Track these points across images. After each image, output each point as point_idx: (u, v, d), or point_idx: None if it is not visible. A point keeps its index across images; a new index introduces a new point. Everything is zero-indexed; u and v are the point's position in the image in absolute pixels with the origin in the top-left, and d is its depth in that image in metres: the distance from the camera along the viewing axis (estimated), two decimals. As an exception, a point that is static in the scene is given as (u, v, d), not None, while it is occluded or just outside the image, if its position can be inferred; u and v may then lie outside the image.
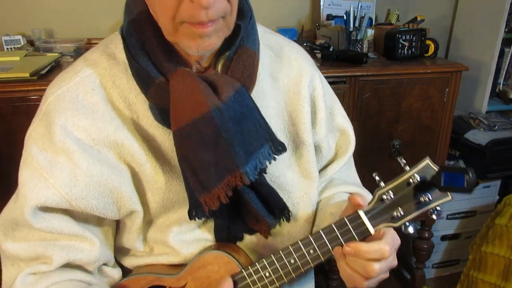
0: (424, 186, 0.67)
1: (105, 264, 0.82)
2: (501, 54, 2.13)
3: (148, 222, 0.81)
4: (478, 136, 2.03)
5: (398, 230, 0.70)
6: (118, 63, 0.73)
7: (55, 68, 1.61)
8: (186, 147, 0.69)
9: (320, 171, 0.92)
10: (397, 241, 0.69)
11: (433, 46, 1.88)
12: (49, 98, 0.72)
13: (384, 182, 0.70)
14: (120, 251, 0.86)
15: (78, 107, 0.71)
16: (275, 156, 0.74)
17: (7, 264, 0.76)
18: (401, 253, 0.84)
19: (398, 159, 0.70)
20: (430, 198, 0.67)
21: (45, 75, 1.51)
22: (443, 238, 2.19)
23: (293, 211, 0.85)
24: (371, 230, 0.69)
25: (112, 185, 0.73)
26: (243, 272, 0.75)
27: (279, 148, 0.74)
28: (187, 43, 0.65)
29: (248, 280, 0.75)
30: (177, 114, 0.68)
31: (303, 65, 0.83)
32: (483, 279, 1.83)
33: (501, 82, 2.21)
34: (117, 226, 0.84)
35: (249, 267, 0.75)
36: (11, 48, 1.78)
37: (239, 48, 0.72)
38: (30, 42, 1.84)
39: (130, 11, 0.71)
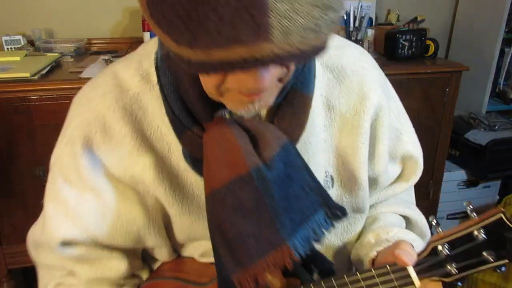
0: (490, 242, 0.57)
1: None
2: (501, 54, 2.13)
3: (175, 245, 0.77)
4: (478, 136, 2.03)
5: (448, 284, 0.62)
6: (153, 88, 0.63)
7: (56, 68, 1.61)
8: (221, 214, 0.58)
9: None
10: None
11: (433, 46, 1.88)
12: (74, 121, 0.65)
13: (442, 228, 0.60)
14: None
15: (105, 139, 0.64)
16: (334, 224, 0.62)
17: (42, 272, 0.76)
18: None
19: (465, 203, 0.60)
20: (495, 258, 0.57)
21: (46, 75, 1.51)
22: (443, 238, 2.19)
23: (334, 241, 0.77)
24: (417, 283, 0.60)
25: (140, 223, 0.68)
26: None
27: (338, 213, 0.61)
28: (235, 107, 0.55)
29: None
30: (210, 174, 0.59)
31: (368, 92, 0.68)
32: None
33: (501, 82, 2.21)
34: None
35: None
36: (11, 48, 1.78)
37: (289, 92, 0.61)
38: (31, 42, 1.84)
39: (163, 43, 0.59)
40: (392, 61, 1.80)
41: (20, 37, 1.79)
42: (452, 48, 2.35)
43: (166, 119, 0.63)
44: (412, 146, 0.78)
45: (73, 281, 0.71)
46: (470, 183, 2.14)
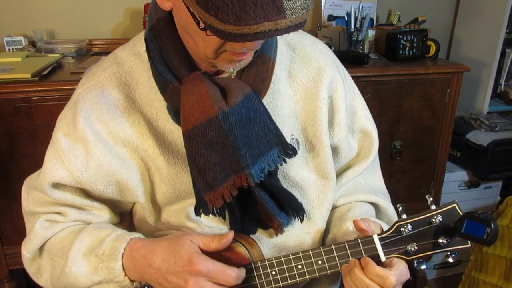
0: (445, 228, 0.68)
1: None
2: (503, 54, 2.12)
3: (164, 207, 0.86)
4: (480, 137, 2.03)
5: (409, 264, 0.71)
6: (143, 62, 0.78)
7: (57, 68, 1.62)
8: (194, 148, 0.73)
9: (342, 173, 0.93)
10: (405, 276, 0.70)
11: (434, 46, 1.88)
12: (79, 89, 0.80)
13: (407, 214, 0.71)
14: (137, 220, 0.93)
15: (102, 102, 0.78)
16: (285, 159, 0.76)
17: (29, 217, 0.87)
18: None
19: (427, 197, 0.71)
20: (448, 241, 0.67)
21: (47, 76, 1.51)
22: (445, 239, 2.19)
23: (308, 210, 0.87)
24: (382, 257, 0.70)
25: (119, 177, 0.80)
26: (251, 264, 0.77)
27: (289, 152, 0.76)
28: (225, 66, 0.70)
29: (255, 273, 0.77)
30: (186, 116, 0.72)
31: (324, 66, 0.83)
32: (484, 280, 1.82)
33: (503, 83, 2.21)
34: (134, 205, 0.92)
35: (258, 262, 0.77)
36: (13, 49, 1.78)
37: (256, 55, 0.74)
38: (32, 43, 1.84)
39: (151, 18, 0.75)
40: (393, 62, 1.80)
41: (21, 38, 1.80)
42: (453, 48, 2.35)
43: (154, 86, 0.77)
44: (366, 120, 0.92)
45: (60, 218, 0.83)
46: (471, 184, 2.14)
